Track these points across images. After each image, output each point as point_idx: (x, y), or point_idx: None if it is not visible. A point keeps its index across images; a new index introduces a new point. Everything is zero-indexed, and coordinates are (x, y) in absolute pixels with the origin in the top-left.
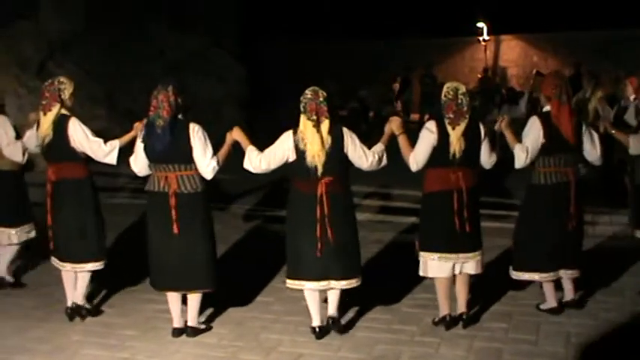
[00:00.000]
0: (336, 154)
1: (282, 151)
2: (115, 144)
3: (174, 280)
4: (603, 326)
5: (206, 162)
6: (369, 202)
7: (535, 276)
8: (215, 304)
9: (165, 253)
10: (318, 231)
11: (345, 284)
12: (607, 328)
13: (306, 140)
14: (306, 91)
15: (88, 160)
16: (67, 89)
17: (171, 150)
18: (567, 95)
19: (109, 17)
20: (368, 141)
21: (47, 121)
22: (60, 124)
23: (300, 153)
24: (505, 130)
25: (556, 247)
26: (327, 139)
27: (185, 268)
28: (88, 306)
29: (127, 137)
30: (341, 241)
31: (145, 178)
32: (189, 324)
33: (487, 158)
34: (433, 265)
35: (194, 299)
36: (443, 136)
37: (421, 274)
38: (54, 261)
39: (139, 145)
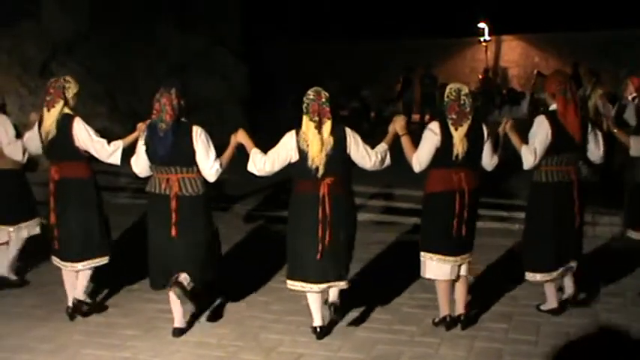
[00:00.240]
0: (338, 154)
1: (285, 151)
2: (119, 144)
3: (172, 279)
4: (604, 327)
5: (209, 164)
6: (371, 203)
7: (540, 276)
8: (215, 304)
9: (164, 253)
10: (319, 232)
11: (343, 285)
12: (608, 329)
13: (307, 141)
14: (309, 92)
15: (90, 159)
16: (72, 89)
17: (173, 152)
18: (572, 92)
19: (112, 17)
20: (370, 141)
21: (51, 117)
22: (64, 123)
23: (302, 154)
24: (510, 132)
25: (560, 245)
26: (329, 140)
27: (182, 268)
28: (89, 300)
29: (130, 138)
30: (339, 243)
31: (146, 179)
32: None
33: (489, 160)
34: (432, 266)
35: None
36: (446, 137)
37: (422, 274)
38: (55, 260)
39: (141, 147)
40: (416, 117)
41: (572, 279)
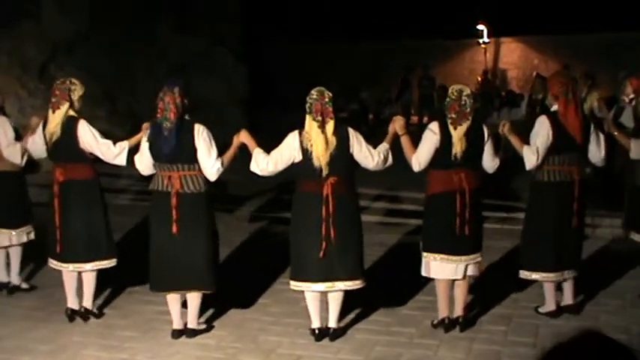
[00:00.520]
0: (341, 154)
1: (288, 151)
2: (125, 145)
3: (173, 280)
4: (604, 329)
5: (211, 163)
6: (373, 205)
7: (539, 276)
8: (215, 306)
9: (165, 252)
10: (323, 231)
11: (349, 285)
12: (607, 331)
13: (311, 141)
14: (312, 92)
15: (94, 161)
16: (77, 91)
17: (176, 150)
18: (573, 93)
19: (112, 17)
20: (369, 143)
21: (55, 119)
22: (69, 125)
23: (306, 153)
24: (509, 134)
25: (560, 246)
26: (332, 140)
27: (184, 268)
28: (96, 311)
29: (135, 138)
30: (345, 241)
31: (148, 180)
32: (189, 325)
33: (490, 162)
34: (435, 266)
35: (194, 300)
36: (445, 137)
37: (423, 274)
38: (52, 263)
39: (144, 145)
40: (414, 118)
41: (571, 288)
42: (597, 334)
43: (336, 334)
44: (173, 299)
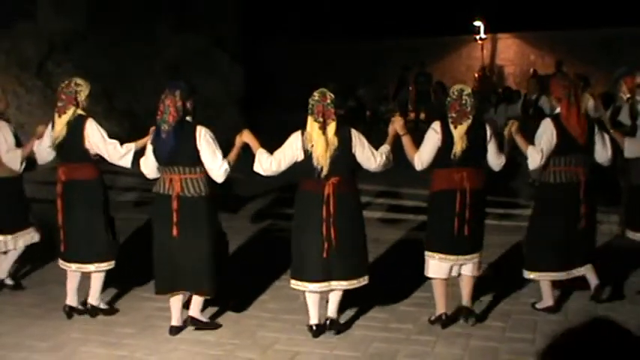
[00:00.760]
0: (343, 155)
1: (291, 151)
2: (131, 147)
3: (174, 282)
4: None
5: (217, 164)
6: (374, 201)
7: (539, 275)
8: (214, 302)
9: (166, 254)
10: (324, 231)
11: (346, 284)
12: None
13: (312, 142)
14: (314, 93)
15: (98, 160)
16: (84, 91)
17: (176, 153)
18: (575, 96)
19: (110, 17)
20: (368, 140)
21: (61, 123)
22: (76, 124)
23: (307, 154)
24: (515, 134)
25: (565, 246)
26: (334, 141)
27: (184, 271)
28: (103, 307)
29: (142, 141)
30: (346, 241)
31: (151, 180)
32: (191, 313)
33: (495, 160)
34: (432, 265)
35: (198, 297)
36: (447, 136)
37: (425, 272)
38: (60, 262)
39: (149, 147)
40: (411, 115)
41: (593, 277)
42: (608, 321)
43: (334, 326)
44: (175, 299)
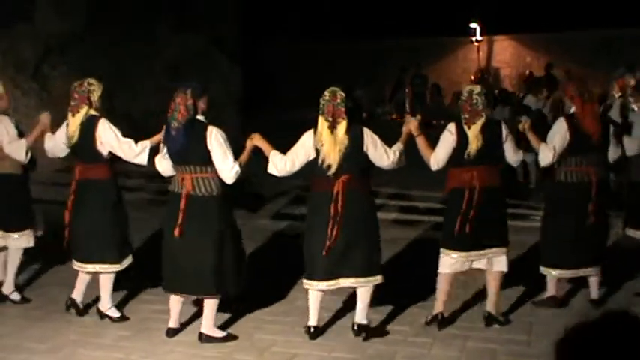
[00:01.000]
0: (354, 154)
1: (304, 150)
2: (146, 144)
3: (179, 282)
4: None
5: (228, 165)
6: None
7: (556, 272)
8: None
9: (173, 253)
10: (329, 229)
11: (353, 282)
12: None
13: (322, 141)
14: (325, 93)
15: (113, 160)
16: (96, 91)
17: (187, 151)
18: (589, 94)
19: (109, 17)
20: None
21: (75, 122)
22: (89, 125)
23: (318, 152)
24: (528, 132)
25: (575, 245)
26: (344, 140)
27: (189, 272)
28: (115, 315)
29: (157, 138)
30: (353, 240)
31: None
32: (203, 330)
33: (512, 156)
34: (443, 261)
35: (209, 306)
36: (462, 137)
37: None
38: (74, 264)
39: (163, 146)
40: (407, 116)
41: (596, 282)
42: (625, 313)
43: (360, 332)
44: (175, 299)
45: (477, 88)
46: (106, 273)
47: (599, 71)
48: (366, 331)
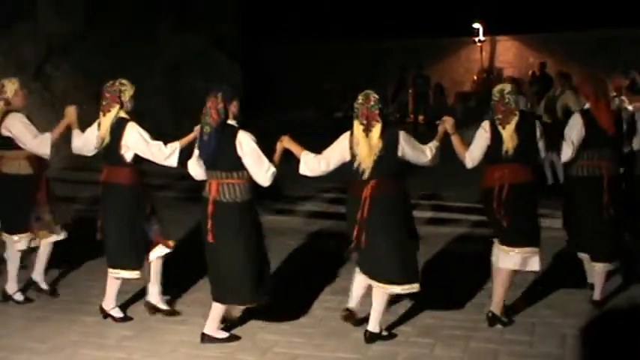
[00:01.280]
0: (387, 157)
1: (340, 151)
2: (176, 146)
3: (214, 289)
4: (599, 327)
5: (264, 168)
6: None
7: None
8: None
9: (207, 260)
10: (355, 233)
11: (377, 285)
12: (603, 329)
13: (358, 144)
14: (359, 96)
15: (138, 163)
16: (128, 91)
17: (216, 156)
18: (603, 91)
19: (109, 17)
20: None
21: (106, 122)
22: (117, 127)
23: (353, 156)
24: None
25: (590, 238)
26: (377, 144)
27: (218, 279)
28: (115, 314)
29: (186, 139)
30: (378, 244)
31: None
32: (206, 331)
33: (542, 153)
34: (494, 252)
35: (216, 308)
36: (495, 135)
37: None
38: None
39: (196, 150)
40: (410, 117)
41: (600, 281)
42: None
43: (369, 337)
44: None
45: (508, 87)
46: (111, 277)
47: (601, 71)
48: (373, 339)
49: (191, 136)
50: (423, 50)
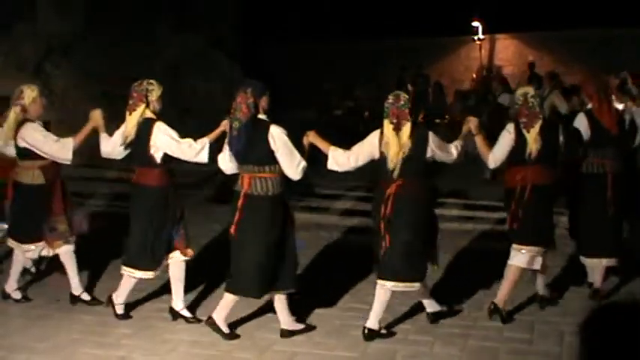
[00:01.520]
0: (415, 157)
1: (369, 148)
2: (205, 142)
3: (235, 282)
4: (598, 325)
5: (296, 161)
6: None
7: (589, 261)
8: (213, 302)
9: (232, 252)
10: (381, 231)
11: (402, 287)
12: (601, 327)
13: (388, 143)
14: (389, 96)
15: (168, 163)
16: (155, 91)
17: (248, 151)
18: (605, 92)
19: (110, 17)
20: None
21: (132, 121)
22: (144, 127)
23: (382, 154)
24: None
25: (595, 235)
26: (407, 143)
27: (237, 270)
28: (118, 311)
29: (214, 134)
30: (403, 242)
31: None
32: (214, 316)
33: (560, 156)
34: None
35: (227, 298)
36: (519, 137)
37: None
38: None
39: (226, 144)
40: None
41: (601, 275)
42: None
43: (368, 335)
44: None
45: (531, 91)
46: (125, 275)
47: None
48: (371, 336)
49: (218, 131)
50: (423, 49)
